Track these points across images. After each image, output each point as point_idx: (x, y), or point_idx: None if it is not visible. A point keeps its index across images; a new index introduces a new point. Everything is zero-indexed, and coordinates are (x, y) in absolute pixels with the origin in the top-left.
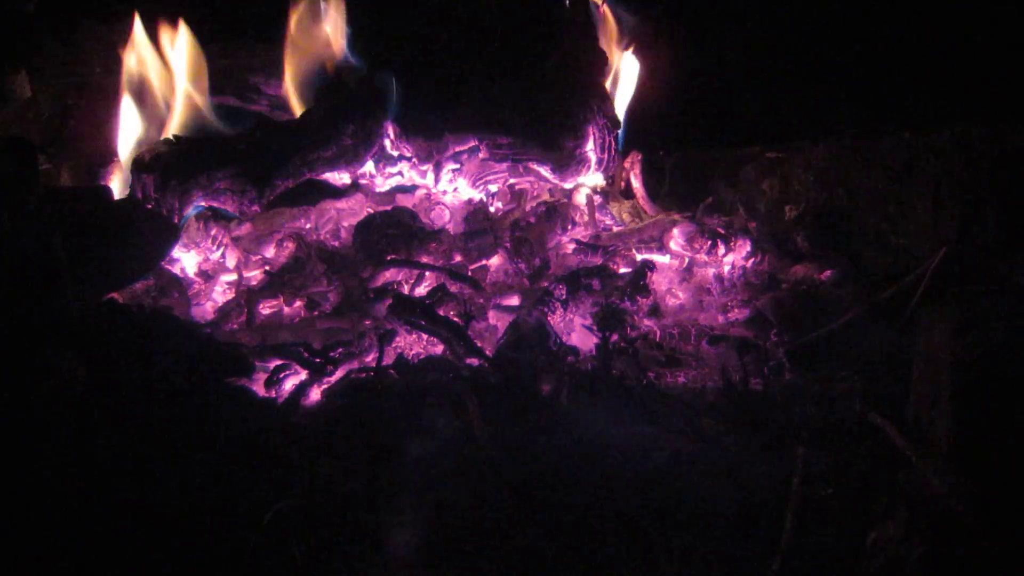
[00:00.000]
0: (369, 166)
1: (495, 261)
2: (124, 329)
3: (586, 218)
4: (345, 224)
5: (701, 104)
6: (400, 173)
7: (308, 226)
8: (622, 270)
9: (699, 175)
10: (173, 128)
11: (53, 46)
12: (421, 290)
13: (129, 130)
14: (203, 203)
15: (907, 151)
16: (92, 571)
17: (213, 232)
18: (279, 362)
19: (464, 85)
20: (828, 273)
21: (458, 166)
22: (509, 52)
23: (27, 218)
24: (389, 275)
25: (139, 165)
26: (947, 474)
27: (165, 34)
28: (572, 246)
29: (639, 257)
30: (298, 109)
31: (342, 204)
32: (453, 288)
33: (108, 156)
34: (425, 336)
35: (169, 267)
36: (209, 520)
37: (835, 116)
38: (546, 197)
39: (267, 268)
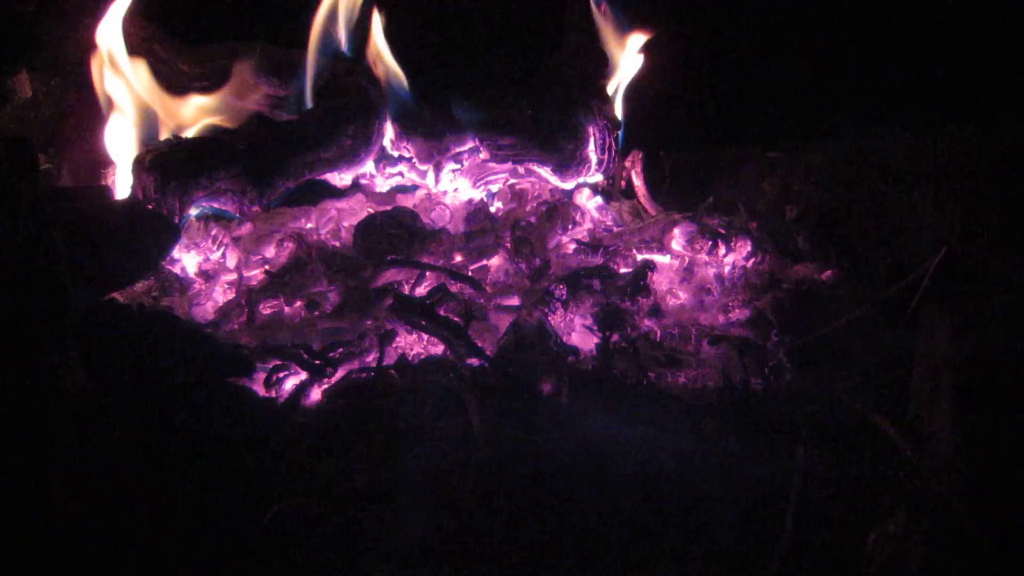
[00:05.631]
0: (370, 166)
1: (496, 261)
2: (124, 329)
3: (586, 218)
4: (346, 224)
5: (701, 104)
6: (400, 173)
7: (309, 226)
8: (623, 270)
9: (699, 175)
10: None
11: (53, 46)
12: (421, 290)
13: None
14: (204, 203)
15: (907, 151)
16: (92, 571)
17: (214, 232)
18: (280, 362)
19: (465, 86)
20: (828, 273)
21: (459, 167)
22: (510, 53)
23: (27, 218)
24: (390, 275)
25: (139, 165)
26: (947, 474)
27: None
28: (573, 246)
29: (640, 257)
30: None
31: (343, 204)
32: (453, 288)
33: (108, 156)
34: (425, 336)
35: (170, 267)
36: (209, 520)
37: (835, 116)
38: (547, 197)
39: (267, 268)
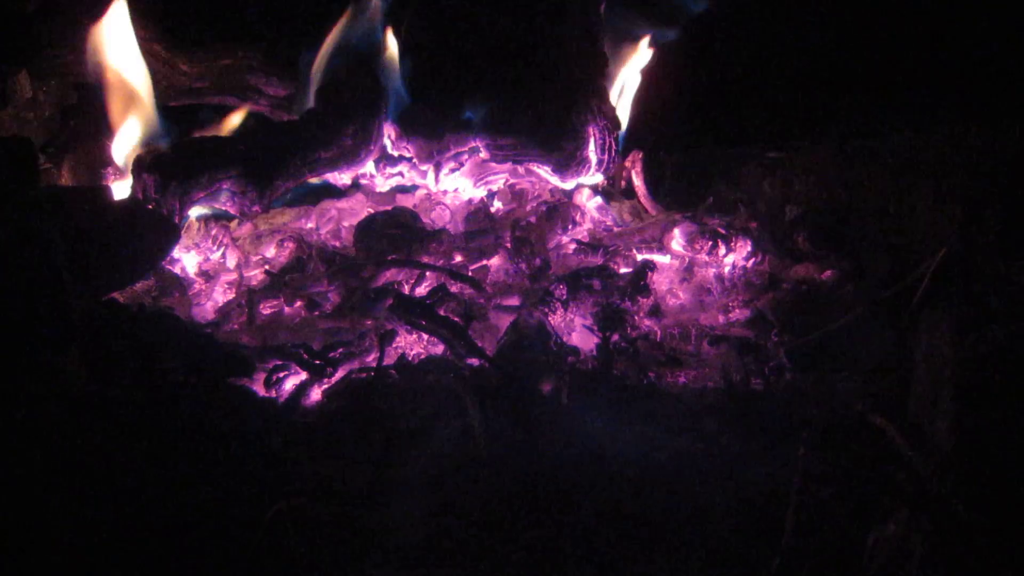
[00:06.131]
0: (370, 166)
1: (496, 261)
2: (124, 329)
3: (586, 218)
4: (346, 224)
5: (701, 104)
6: (400, 173)
7: (309, 226)
8: (623, 270)
9: (699, 175)
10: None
11: (53, 46)
12: (422, 290)
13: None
14: (204, 203)
15: (907, 151)
16: (92, 571)
17: (214, 232)
18: (280, 362)
19: (465, 86)
20: (828, 273)
21: (459, 167)
22: (510, 53)
23: (27, 218)
24: (390, 275)
25: (140, 165)
26: (947, 474)
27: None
28: (573, 246)
29: (640, 257)
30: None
31: (343, 204)
32: (453, 288)
33: (108, 156)
34: (426, 336)
35: (170, 267)
36: (209, 520)
37: (835, 116)
38: (547, 197)
39: (267, 268)
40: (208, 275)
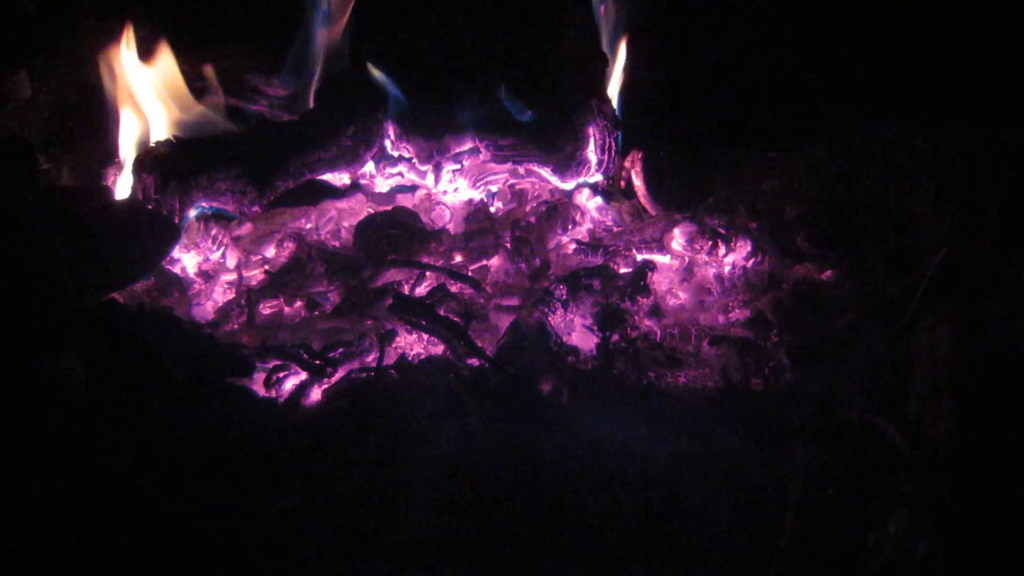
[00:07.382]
0: (369, 166)
1: (495, 261)
2: (124, 329)
3: (586, 218)
4: (345, 224)
5: (701, 104)
6: (400, 173)
7: (308, 226)
8: (623, 270)
9: (699, 175)
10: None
11: (53, 46)
12: (421, 290)
13: (130, 131)
14: (204, 203)
15: (907, 151)
16: (92, 571)
17: (213, 232)
18: (280, 362)
19: (465, 86)
20: (828, 273)
21: (458, 167)
22: (510, 53)
23: (27, 218)
24: (390, 275)
25: (139, 165)
26: (947, 474)
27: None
28: (572, 246)
29: (640, 257)
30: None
31: (342, 204)
32: (453, 288)
33: (108, 156)
34: (425, 336)
35: (169, 267)
36: (209, 520)
37: (835, 116)
38: (547, 197)
39: (267, 268)
40: (208, 275)
